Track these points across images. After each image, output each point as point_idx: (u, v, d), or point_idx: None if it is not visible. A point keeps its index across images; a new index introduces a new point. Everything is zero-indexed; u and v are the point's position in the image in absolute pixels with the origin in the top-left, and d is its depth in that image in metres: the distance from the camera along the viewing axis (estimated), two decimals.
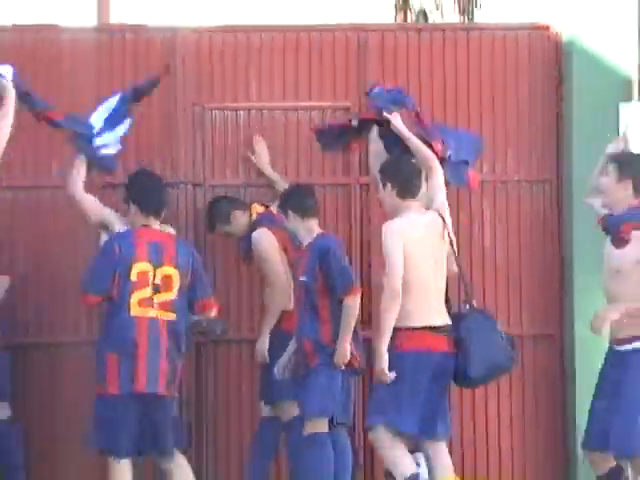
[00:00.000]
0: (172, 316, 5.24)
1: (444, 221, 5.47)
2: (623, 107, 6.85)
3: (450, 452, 5.67)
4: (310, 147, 6.51)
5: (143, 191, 5.56)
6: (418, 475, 5.40)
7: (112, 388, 5.06)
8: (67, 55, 6.77)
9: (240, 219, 6.11)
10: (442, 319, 5.31)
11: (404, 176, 5.45)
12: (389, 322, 5.24)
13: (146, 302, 5.26)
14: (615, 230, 5.20)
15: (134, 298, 5.23)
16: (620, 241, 5.18)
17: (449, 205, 5.72)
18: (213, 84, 6.72)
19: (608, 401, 5.42)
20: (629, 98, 6.93)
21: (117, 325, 5.21)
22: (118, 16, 11.04)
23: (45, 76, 6.58)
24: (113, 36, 7.04)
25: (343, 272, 5.42)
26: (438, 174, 5.59)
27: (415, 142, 5.57)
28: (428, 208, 5.56)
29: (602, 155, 5.96)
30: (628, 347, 5.37)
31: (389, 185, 5.43)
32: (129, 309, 5.27)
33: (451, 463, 5.42)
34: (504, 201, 6.61)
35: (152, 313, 5.28)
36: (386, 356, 5.20)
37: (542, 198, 6.59)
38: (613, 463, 5.53)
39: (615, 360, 5.48)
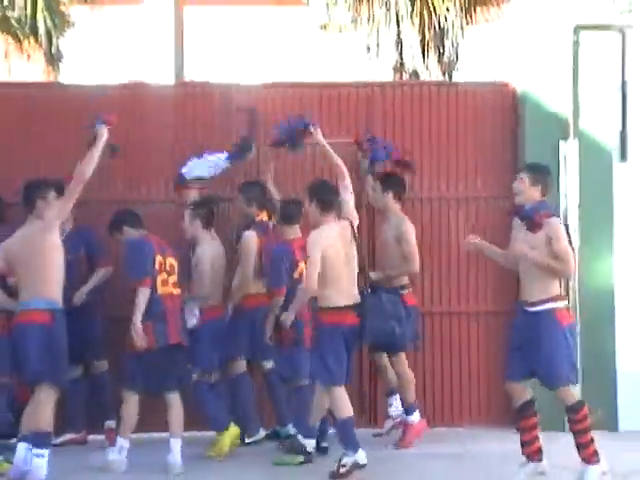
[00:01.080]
0: (179, 291, 7.02)
1: (352, 226, 6.68)
2: (562, 143, 8.27)
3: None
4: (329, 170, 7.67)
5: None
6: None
7: (150, 345, 6.72)
8: (152, 104, 8.31)
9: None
10: (352, 299, 6.55)
11: (324, 196, 6.67)
12: (298, 304, 6.76)
13: (164, 283, 6.97)
14: (532, 217, 6.29)
15: (158, 280, 6.94)
16: (536, 226, 6.33)
17: (438, 216, 7.70)
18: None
19: (524, 349, 6.42)
20: (566, 136, 8.28)
21: (150, 300, 6.84)
22: (190, 73, 14.10)
23: (136, 121, 8.08)
24: (186, 89, 8.81)
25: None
26: (347, 183, 6.83)
27: (329, 150, 6.88)
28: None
29: None
30: (539, 308, 6.41)
31: (314, 202, 6.67)
32: (157, 289, 6.90)
33: None
34: (474, 211, 8.16)
35: (170, 290, 7.00)
36: None
37: (502, 209, 7.82)
38: (528, 396, 6.56)
39: (528, 318, 6.44)
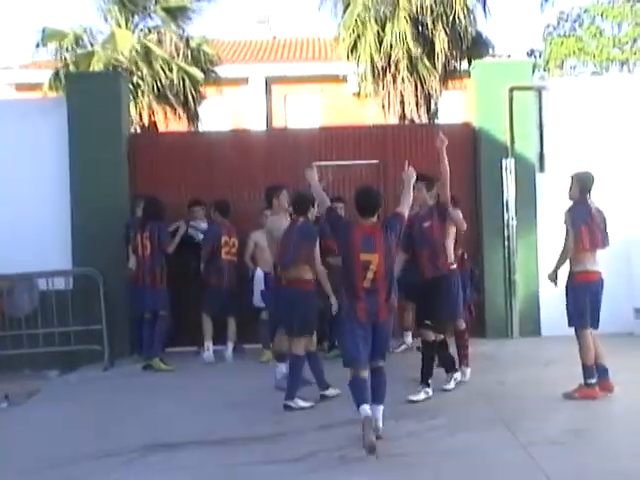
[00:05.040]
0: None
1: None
2: (504, 161, 11.14)
3: None
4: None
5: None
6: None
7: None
8: (253, 145, 11.85)
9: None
10: None
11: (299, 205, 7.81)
12: None
13: (226, 251, 10.21)
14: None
15: (223, 250, 10.15)
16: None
17: None
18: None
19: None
20: (507, 156, 11.16)
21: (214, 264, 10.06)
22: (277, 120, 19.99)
23: (244, 153, 11.57)
24: (276, 135, 12.64)
25: None
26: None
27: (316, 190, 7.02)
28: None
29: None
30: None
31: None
32: (221, 255, 10.19)
33: None
34: None
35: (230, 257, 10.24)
36: None
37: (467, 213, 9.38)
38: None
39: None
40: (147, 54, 17.61)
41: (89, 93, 11.32)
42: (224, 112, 23.23)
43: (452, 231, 8.30)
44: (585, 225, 7.58)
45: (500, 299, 11.26)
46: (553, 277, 7.80)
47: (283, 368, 8.28)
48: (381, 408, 6.60)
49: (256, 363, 10.01)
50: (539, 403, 7.71)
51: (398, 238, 6.61)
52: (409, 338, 10.46)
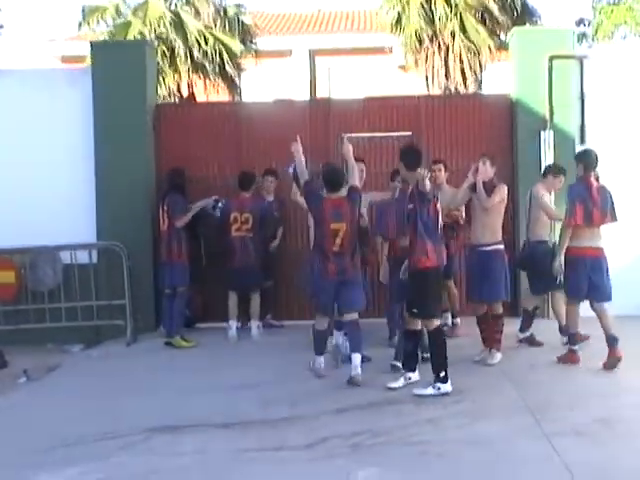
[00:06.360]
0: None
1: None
2: (542, 133, 10.80)
3: None
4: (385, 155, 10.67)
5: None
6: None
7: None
8: (295, 115, 11.28)
9: None
10: None
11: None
12: None
13: (236, 228, 9.85)
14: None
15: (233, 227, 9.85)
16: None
17: None
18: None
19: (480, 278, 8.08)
20: (545, 128, 10.81)
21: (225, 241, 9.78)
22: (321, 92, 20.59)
23: (284, 129, 10.58)
24: (317, 105, 12.11)
25: None
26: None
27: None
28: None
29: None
30: (488, 248, 8.16)
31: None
32: (230, 232, 9.84)
33: None
34: None
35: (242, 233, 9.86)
36: None
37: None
38: (484, 310, 8.33)
39: (481, 256, 8.15)
40: (182, 24, 17.40)
41: (114, 62, 11.12)
42: (266, 84, 22.90)
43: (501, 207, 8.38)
44: (581, 202, 7.91)
45: None
46: (558, 267, 8.22)
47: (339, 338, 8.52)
48: (358, 356, 7.65)
49: (285, 340, 9.73)
50: (569, 388, 7.41)
51: (359, 208, 7.85)
52: (449, 319, 10.05)
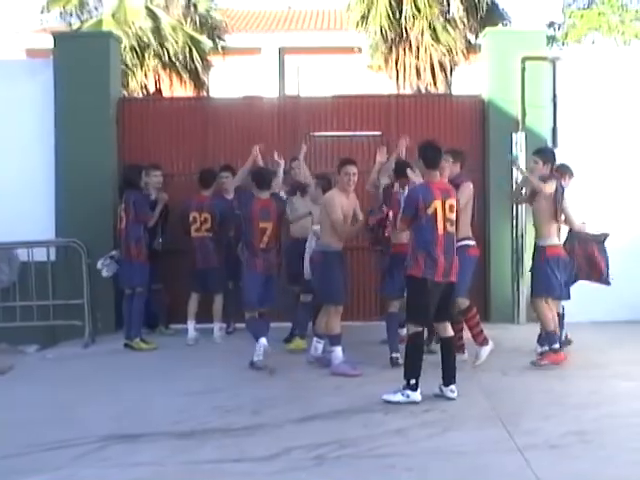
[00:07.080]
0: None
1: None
2: (514, 135, 10.61)
3: None
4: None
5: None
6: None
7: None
8: (264, 112, 11.17)
9: None
10: None
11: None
12: None
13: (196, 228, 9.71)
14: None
15: (193, 227, 9.62)
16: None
17: None
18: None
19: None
20: (517, 130, 10.63)
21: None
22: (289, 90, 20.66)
23: (252, 125, 10.84)
24: (286, 102, 11.76)
25: None
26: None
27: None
28: None
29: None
30: (462, 243, 7.65)
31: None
32: (190, 233, 9.60)
33: None
34: None
35: (201, 233, 9.57)
36: None
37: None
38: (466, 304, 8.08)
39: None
40: (154, 20, 17.11)
41: (76, 53, 10.82)
42: (235, 82, 22.63)
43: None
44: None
45: (507, 281, 10.71)
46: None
47: (339, 352, 8.07)
48: (263, 339, 8.17)
49: (248, 345, 9.29)
50: (542, 398, 7.16)
51: (284, 207, 8.60)
52: None
